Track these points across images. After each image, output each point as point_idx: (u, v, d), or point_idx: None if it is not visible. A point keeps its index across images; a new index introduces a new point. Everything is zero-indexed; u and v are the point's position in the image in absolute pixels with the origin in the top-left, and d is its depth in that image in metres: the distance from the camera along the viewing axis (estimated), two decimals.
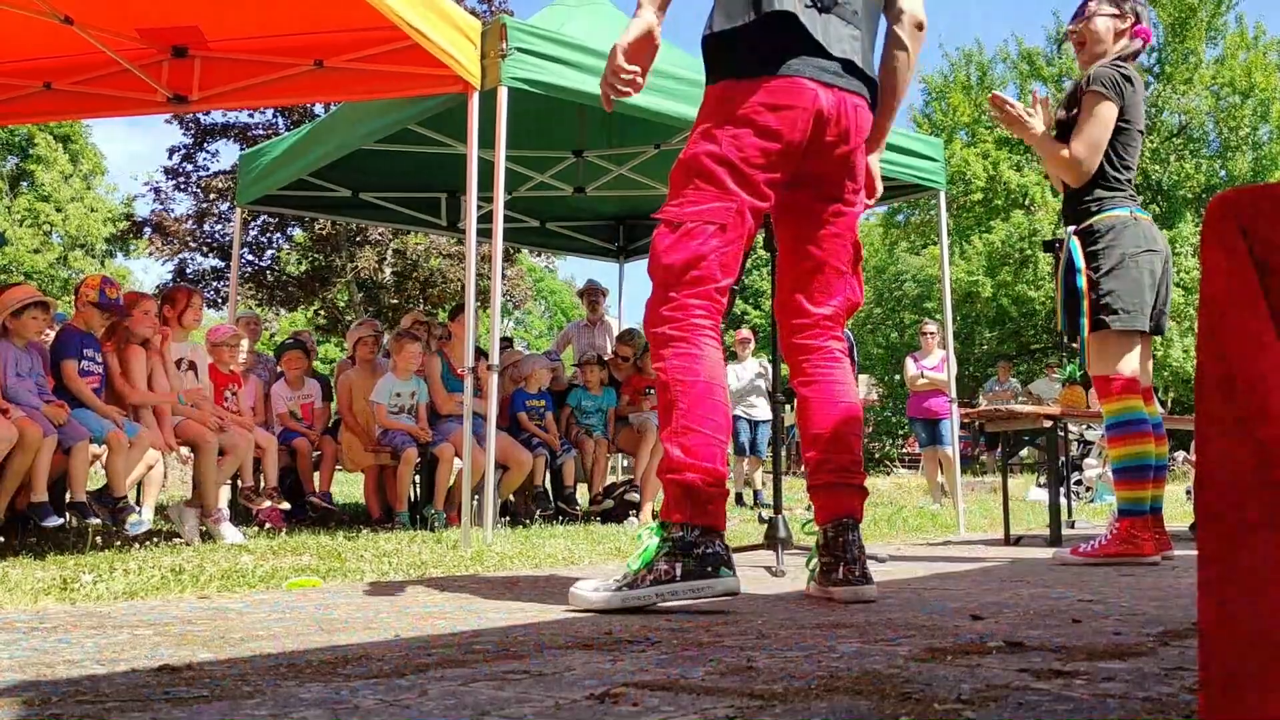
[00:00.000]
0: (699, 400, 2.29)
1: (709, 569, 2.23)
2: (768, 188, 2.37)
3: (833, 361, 2.56)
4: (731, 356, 10.53)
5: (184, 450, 4.96)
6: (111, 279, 4.76)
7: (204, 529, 4.63)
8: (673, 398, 2.30)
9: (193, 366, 4.97)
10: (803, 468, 3.06)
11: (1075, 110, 3.61)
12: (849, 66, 2.40)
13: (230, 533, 4.43)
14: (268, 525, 5.10)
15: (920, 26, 2.57)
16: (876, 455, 24.02)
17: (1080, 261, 3.50)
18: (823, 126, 2.37)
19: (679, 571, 2.23)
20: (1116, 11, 3.64)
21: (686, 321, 2.33)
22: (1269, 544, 0.83)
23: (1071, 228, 3.58)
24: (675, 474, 2.28)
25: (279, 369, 6.40)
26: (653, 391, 6.60)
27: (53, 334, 4.94)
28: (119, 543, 4.05)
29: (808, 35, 2.32)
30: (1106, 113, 3.50)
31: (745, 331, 10.37)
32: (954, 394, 6.70)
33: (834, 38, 2.36)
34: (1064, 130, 3.63)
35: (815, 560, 2.53)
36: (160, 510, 5.43)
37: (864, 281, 2.71)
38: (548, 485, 6.34)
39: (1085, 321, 3.47)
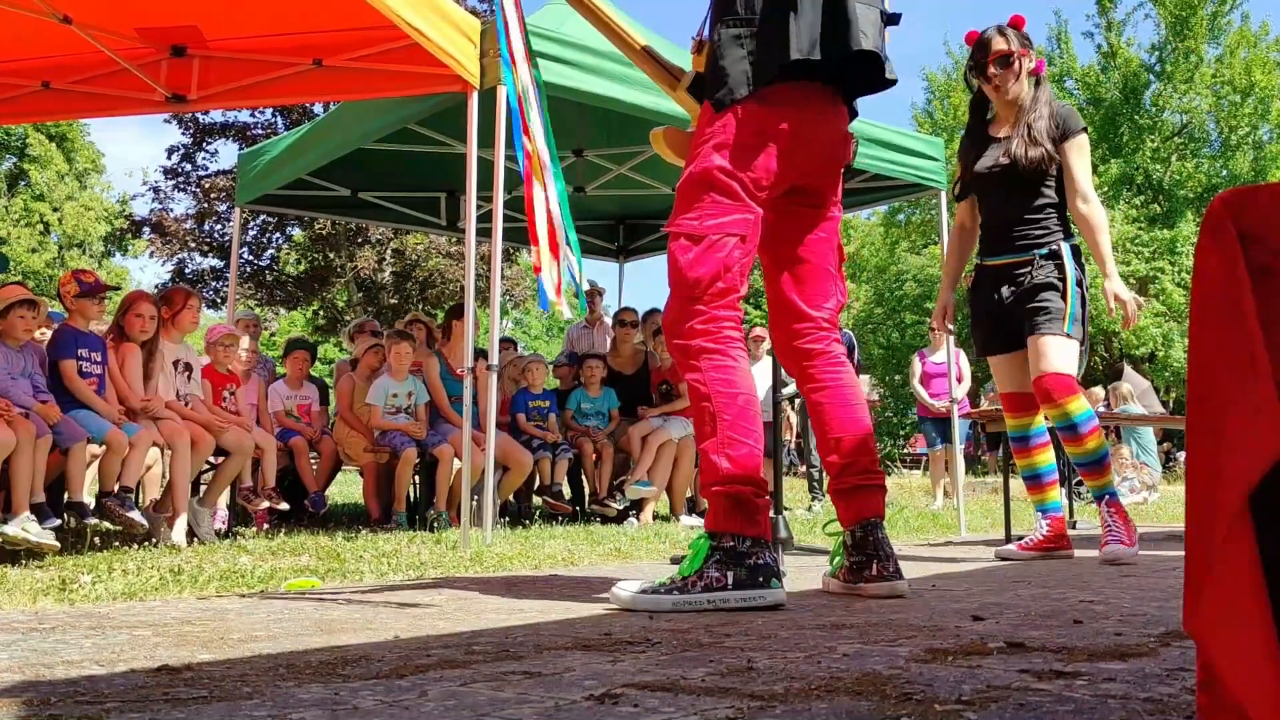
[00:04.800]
0: (741, 413, 2.35)
1: (760, 579, 2.27)
2: (769, 200, 2.46)
3: (839, 365, 2.62)
4: None
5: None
6: (84, 269, 4.76)
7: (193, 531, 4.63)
8: (715, 410, 2.35)
9: (188, 369, 4.96)
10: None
11: (1002, 161, 3.63)
12: (843, 89, 2.51)
13: (179, 534, 4.41)
14: (265, 526, 5.09)
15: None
16: (877, 455, 23.95)
17: (1075, 273, 3.59)
18: (820, 148, 2.48)
19: (731, 580, 2.26)
20: (1023, 50, 3.67)
21: (720, 334, 2.40)
22: (1239, 553, 0.83)
23: (1068, 242, 3.63)
24: (725, 486, 2.32)
25: (280, 370, 6.38)
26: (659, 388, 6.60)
27: (49, 333, 4.92)
28: (117, 543, 4.04)
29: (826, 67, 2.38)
30: (1088, 149, 3.66)
31: (760, 330, 10.32)
32: (955, 393, 6.69)
33: (869, 32, 2.39)
34: (1028, 174, 3.60)
35: (841, 559, 2.57)
36: None
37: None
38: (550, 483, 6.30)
39: (1076, 327, 3.55)
